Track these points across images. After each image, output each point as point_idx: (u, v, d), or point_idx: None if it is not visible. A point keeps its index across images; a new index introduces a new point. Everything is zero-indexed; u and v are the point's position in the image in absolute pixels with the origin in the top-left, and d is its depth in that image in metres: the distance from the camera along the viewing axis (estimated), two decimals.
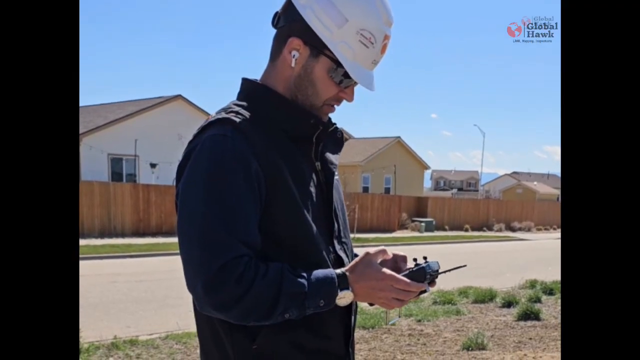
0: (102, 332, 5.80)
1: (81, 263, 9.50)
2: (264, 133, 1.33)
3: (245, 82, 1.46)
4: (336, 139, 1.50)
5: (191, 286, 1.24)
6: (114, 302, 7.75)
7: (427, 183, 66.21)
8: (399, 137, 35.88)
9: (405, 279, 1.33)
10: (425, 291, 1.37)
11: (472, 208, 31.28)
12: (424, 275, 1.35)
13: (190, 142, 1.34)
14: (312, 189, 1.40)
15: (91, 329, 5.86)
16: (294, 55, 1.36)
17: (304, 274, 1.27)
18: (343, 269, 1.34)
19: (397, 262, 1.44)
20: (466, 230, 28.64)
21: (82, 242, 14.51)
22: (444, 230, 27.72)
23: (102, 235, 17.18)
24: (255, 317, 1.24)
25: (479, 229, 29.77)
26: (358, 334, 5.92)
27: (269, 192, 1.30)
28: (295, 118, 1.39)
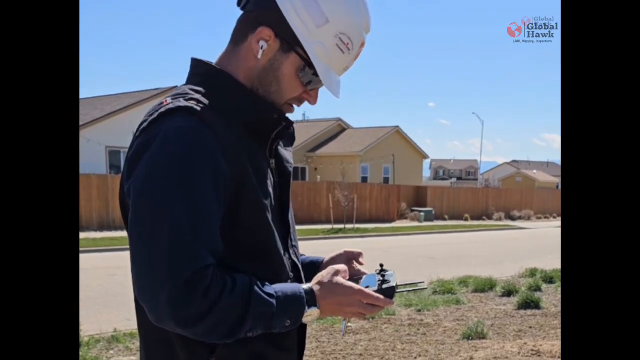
0: (101, 325, 5.81)
1: (80, 256, 9.49)
2: (227, 126, 1.20)
3: (200, 64, 1.32)
4: (288, 134, 1.38)
5: (149, 296, 1.10)
6: (113, 295, 7.75)
7: (426, 172, 66.30)
8: (398, 126, 35.86)
9: (374, 293, 1.27)
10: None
11: (471, 197, 31.33)
12: (392, 293, 1.31)
13: (145, 130, 1.18)
14: (270, 190, 1.29)
15: (91, 322, 5.87)
16: (261, 46, 1.24)
17: (272, 291, 1.17)
18: (309, 285, 1.25)
19: (349, 261, 1.42)
20: (465, 219, 28.70)
21: (81, 235, 14.51)
22: (443, 219, 27.79)
23: (100, 228, 17.19)
24: (218, 334, 1.13)
25: (479, 217, 29.83)
26: (358, 324, 5.94)
27: (234, 194, 1.18)
28: (259, 111, 1.27)
